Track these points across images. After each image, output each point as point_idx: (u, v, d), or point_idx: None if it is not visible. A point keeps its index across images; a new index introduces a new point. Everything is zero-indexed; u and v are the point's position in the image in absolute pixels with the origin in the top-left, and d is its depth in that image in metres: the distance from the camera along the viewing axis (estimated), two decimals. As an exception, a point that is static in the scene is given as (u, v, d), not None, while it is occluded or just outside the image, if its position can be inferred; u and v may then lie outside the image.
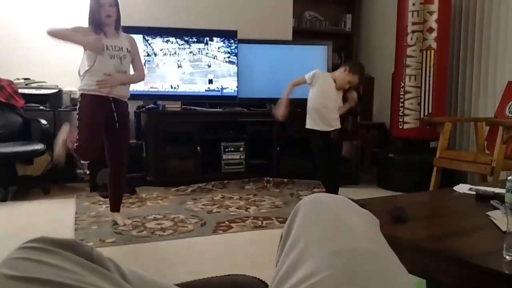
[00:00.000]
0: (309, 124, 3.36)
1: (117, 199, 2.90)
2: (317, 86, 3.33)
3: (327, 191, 3.42)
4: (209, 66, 4.23)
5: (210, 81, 4.23)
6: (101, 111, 2.68)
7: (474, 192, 1.72)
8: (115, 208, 2.90)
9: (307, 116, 3.37)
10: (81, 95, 2.69)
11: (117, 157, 2.79)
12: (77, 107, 2.71)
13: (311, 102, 3.36)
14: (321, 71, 3.45)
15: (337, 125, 3.35)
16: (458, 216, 1.54)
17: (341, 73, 3.30)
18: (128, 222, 2.87)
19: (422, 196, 2.04)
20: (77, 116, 2.71)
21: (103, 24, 2.68)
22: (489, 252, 1.08)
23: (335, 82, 3.31)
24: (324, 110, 3.31)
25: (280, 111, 3.37)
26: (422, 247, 1.17)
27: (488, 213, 1.41)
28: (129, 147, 2.88)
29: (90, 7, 2.71)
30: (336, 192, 3.38)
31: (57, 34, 2.66)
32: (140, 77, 2.95)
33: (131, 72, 2.84)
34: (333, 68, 4.54)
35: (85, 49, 2.69)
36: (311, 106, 3.35)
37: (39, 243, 0.53)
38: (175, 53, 4.15)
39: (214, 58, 4.23)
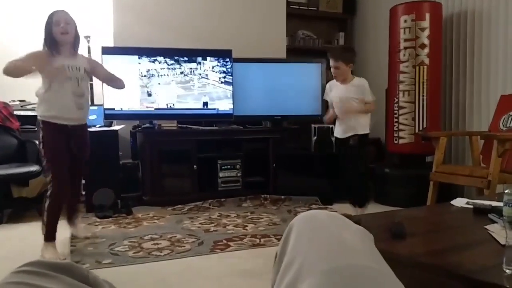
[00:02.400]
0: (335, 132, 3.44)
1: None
2: (333, 98, 3.36)
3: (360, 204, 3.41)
4: (204, 86, 4.25)
5: (205, 104, 4.24)
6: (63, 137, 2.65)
7: (471, 206, 1.72)
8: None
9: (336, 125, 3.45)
10: (42, 122, 2.61)
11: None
12: (40, 136, 2.62)
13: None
14: (330, 82, 3.46)
15: (357, 130, 3.30)
16: (456, 230, 1.54)
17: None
18: (88, 235, 2.96)
19: (420, 211, 2.04)
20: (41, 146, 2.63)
21: (58, 43, 2.60)
22: (489, 266, 1.08)
23: (339, 82, 3.32)
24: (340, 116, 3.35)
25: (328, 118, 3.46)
26: (421, 263, 1.17)
27: (486, 226, 1.40)
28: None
29: (45, 25, 2.64)
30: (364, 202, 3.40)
31: (12, 70, 2.54)
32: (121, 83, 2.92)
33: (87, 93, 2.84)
34: (326, 84, 4.57)
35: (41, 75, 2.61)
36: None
37: (34, 266, 0.52)
38: (171, 73, 4.17)
39: (208, 77, 4.26)
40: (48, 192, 2.62)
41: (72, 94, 2.63)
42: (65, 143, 2.66)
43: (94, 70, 2.83)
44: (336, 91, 3.33)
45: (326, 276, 0.54)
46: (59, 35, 2.59)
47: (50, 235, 2.65)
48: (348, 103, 3.27)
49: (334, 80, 3.36)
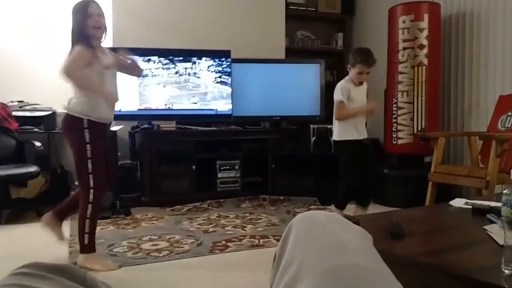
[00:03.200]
0: (349, 135, 3.26)
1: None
2: (355, 97, 3.26)
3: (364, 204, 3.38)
4: (203, 86, 4.25)
5: (205, 105, 4.24)
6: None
7: (470, 206, 1.73)
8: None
9: (338, 129, 3.28)
10: (88, 122, 2.38)
11: None
12: (86, 137, 2.36)
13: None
14: (344, 81, 3.29)
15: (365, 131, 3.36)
16: (455, 230, 1.54)
17: (351, 73, 3.23)
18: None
19: (419, 212, 2.04)
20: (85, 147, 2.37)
21: (91, 38, 2.40)
22: (487, 266, 1.08)
23: (356, 84, 3.25)
24: (360, 118, 3.31)
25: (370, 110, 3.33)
26: (420, 263, 1.17)
27: (485, 227, 1.41)
28: (78, 167, 2.44)
29: (75, 19, 2.42)
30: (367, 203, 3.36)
31: (81, 82, 2.36)
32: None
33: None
34: (325, 85, 4.59)
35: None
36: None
37: (32, 268, 0.52)
38: (170, 73, 4.17)
39: (207, 78, 4.26)
40: (91, 197, 2.37)
41: (115, 91, 2.51)
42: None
43: (118, 63, 2.61)
44: (355, 92, 3.25)
45: (325, 276, 0.54)
46: (92, 29, 2.39)
47: (94, 245, 2.46)
48: (374, 103, 3.32)
49: (348, 81, 3.26)
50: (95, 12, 2.40)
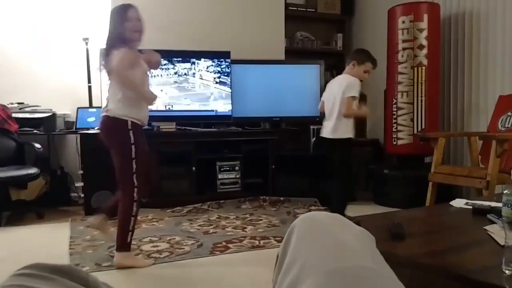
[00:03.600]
0: (348, 133, 3.25)
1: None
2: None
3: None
4: (203, 87, 4.25)
5: (204, 106, 4.24)
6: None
7: (470, 207, 1.73)
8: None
9: (346, 126, 3.23)
10: (132, 124, 2.44)
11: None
12: (131, 138, 2.43)
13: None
14: (355, 80, 3.24)
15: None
16: (456, 231, 1.54)
17: (354, 71, 3.25)
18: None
19: (419, 212, 2.04)
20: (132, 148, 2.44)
21: (130, 41, 2.45)
22: (488, 267, 1.08)
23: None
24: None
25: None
26: (421, 264, 1.17)
27: (486, 227, 1.40)
28: (122, 167, 2.48)
29: (113, 22, 2.47)
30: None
31: (126, 80, 2.42)
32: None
33: None
34: (325, 86, 4.58)
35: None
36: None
37: (34, 269, 0.52)
38: (170, 74, 4.17)
39: (207, 79, 4.26)
40: (136, 196, 2.45)
41: None
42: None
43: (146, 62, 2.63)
44: None
45: (327, 277, 0.54)
46: (131, 33, 2.45)
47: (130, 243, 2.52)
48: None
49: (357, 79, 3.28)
50: (135, 16, 2.48)
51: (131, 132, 2.42)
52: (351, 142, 3.28)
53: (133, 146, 2.43)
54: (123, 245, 2.47)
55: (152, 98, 2.55)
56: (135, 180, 2.45)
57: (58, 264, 0.53)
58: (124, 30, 2.44)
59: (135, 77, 2.45)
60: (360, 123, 4.90)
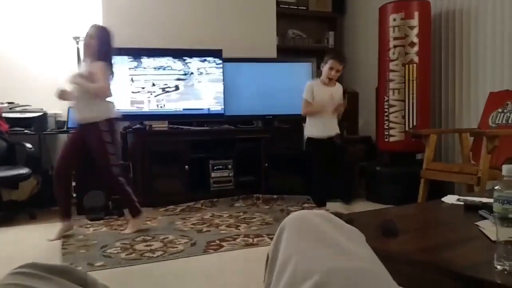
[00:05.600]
0: (315, 132, 3.58)
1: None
2: (316, 96, 3.55)
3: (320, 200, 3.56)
4: (195, 86, 4.24)
5: (196, 104, 4.23)
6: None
7: (462, 203, 1.74)
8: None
9: (310, 125, 3.61)
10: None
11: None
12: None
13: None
14: (310, 81, 3.72)
15: (337, 129, 3.66)
16: (448, 227, 1.55)
17: (323, 71, 3.54)
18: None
19: (411, 209, 2.06)
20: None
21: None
22: (480, 263, 1.09)
23: (324, 84, 3.55)
24: (327, 116, 3.55)
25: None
26: (413, 260, 1.18)
27: (477, 223, 1.42)
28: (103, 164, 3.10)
29: (106, 38, 3.06)
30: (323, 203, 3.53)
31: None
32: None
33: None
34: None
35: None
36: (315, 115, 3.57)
37: (31, 268, 0.51)
38: (161, 73, 4.15)
39: (199, 77, 4.25)
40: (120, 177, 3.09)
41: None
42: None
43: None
44: (322, 91, 3.55)
45: (326, 277, 0.54)
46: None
47: None
48: (341, 103, 3.61)
49: (315, 81, 3.67)
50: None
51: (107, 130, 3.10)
52: (311, 141, 3.61)
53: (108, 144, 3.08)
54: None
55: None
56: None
57: (55, 264, 0.53)
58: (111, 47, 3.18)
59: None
60: (351, 121, 4.93)
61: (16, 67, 4.09)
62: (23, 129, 3.87)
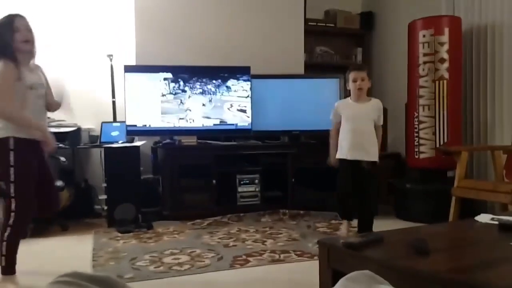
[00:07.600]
0: (339, 152, 3.34)
1: None
2: (344, 115, 3.33)
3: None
4: (223, 102, 4.30)
5: (224, 120, 4.29)
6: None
7: (496, 222, 1.70)
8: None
9: (339, 144, 3.35)
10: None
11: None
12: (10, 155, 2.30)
13: (344, 132, 3.32)
14: (339, 101, 3.57)
15: (371, 156, 3.27)
16: (482, 247, 1.51)
17: (350, 87, 3.32)
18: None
19: (443, 227, 2.02)
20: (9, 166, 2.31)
21: (17, 51, 2.30)
22: (516, 284, 1.06)
23: (356, 101, 3.32)
24: (357, 138, 3.26)
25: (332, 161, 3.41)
26: (445, 280, 1.15)
27: (513, 243, 1.38)
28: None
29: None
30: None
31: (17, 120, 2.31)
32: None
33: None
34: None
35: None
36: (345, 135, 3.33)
37: (73, 277, 0.53)
38: (191, 89, 4.23)
39: (227, 94, 4.31)
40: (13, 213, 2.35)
41: (42, 113, 2.53)
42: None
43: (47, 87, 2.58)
44: (354, 108, 3.31)
45: None
46: (20, 44, 2.32)
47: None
48: (369, 121, 3.30)
49: (345, 100, 3.46)
50: (23, 26, 2.33)
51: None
52: (338, 160, 3.34)
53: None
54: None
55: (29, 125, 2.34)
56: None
57: (96, 274, 0.55)
58: (12, 41, 2.29)
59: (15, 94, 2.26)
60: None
61: (51, 83, 4.23)
62: (58, 143, 3.98)
